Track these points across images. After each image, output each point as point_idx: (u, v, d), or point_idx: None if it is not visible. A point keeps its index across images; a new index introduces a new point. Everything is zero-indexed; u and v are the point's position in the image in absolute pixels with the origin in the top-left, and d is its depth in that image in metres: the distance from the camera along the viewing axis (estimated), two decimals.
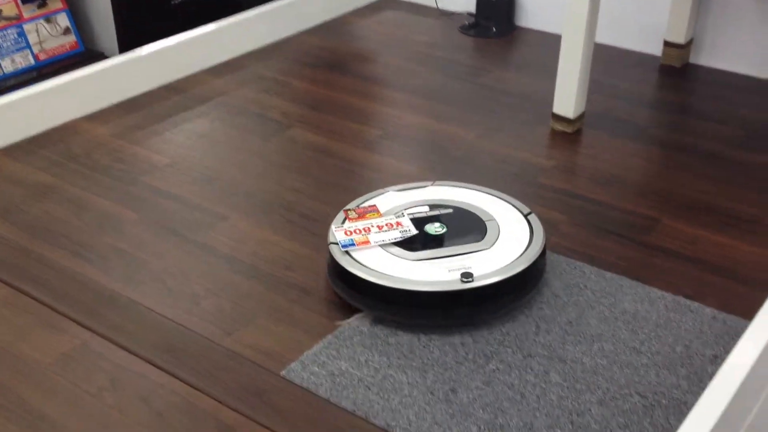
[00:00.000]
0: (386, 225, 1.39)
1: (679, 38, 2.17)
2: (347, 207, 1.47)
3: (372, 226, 1.39)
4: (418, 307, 1.30)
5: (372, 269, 1.31)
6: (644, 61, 2.26)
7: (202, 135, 1.90)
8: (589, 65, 1.86)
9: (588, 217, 1.59)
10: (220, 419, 1.14)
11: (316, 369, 1.23)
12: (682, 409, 1.15)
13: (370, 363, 1.24)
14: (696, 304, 1.35)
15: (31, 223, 1.57)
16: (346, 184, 1.71)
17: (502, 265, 1.32)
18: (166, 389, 1.20)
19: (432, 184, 1.54)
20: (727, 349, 1.25)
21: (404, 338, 1.28)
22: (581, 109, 1.90)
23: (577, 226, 1.57)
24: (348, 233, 1.38)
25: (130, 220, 1.59)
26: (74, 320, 1.33)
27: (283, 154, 1.82)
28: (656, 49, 2.27)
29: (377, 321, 1.32)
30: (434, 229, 1.40)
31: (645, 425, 1.13)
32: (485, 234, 1.39)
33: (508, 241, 1.38)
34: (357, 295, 1.32)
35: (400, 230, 1.38)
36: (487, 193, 1.52)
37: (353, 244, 1.36)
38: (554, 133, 1.90)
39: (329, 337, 1.29)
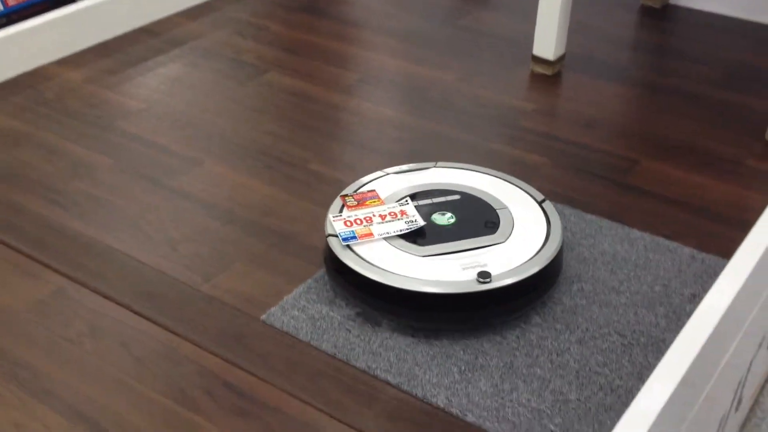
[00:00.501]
0: (389, 214, 1.27)
1: None
2: (344, 192, 1.34)
3: (374, 216, 1.26)
4: (430, 311, 1.17)
5: (379, 267, 1.18)
6: (624, 2, 2.23)
7: (176, 79, 1.86)
8: (570, 6, 1.83)
9: (568, 160, 1.58)
10: (201, 364, 1.14)
11: (296, 313, 1.22)
12: (661, 347, 1.16)
13: (351, 306, 1.23)
14: (675, 244, 1.35)
15: (3, 171, 1.54)
16: (323, 128, 1.68)
17: (521, 261, 1.19)
18: (145, 335, 1.19)
19: (434, 166, 1.41)
20: (705, 288, 1.26)
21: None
22: (561, 50, 1.88)
23: (558, 168, 1.56)
24: (348, 224, 1.25)
25: (104, 165, 1.56)
26: (50, 267, 1.31)
27: (259, 99, 1.79)
28: None
29: None
30: (444, 219, 1.27)
31: (624, 363, 1.14)
32: (498, 224, 1.26)
33: (524, 233, 1.25)
34: (362, 296, 1.20)
35: (406, 220, 1.26)
36: (495, 176, 1.39)
37: (355, 237, 1.23)
38: (534, 76, 1.88)
39: (309, 281, 1.28)
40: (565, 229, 1.39)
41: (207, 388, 1.10)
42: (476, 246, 1.22)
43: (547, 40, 1.84)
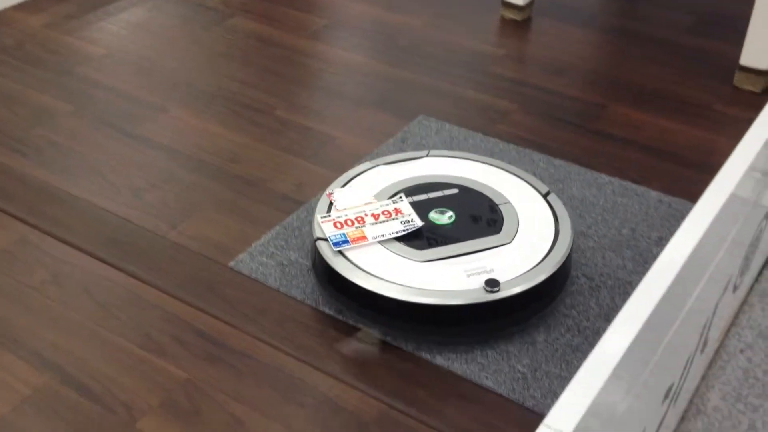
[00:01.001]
0: (383, 213, 1.14)
1: None
2: (331, 189, 1.20)
3: (366, 215, 1.14)
4: (436, 324, 1.07)
5: (377, 276, 1.06)
6: None
7: (138, 25, 1.81)
8: None
9: (538, 106, 1.58)
10: (168, 310, 1.13)
11: (265, 260, 1.21)
12: (627, 290, 1.17)
13: None
14: (642, 188, 1.36)
15: None
16: (290, 74, 1.66)
17: (530, 266, 1.09)
18: (110, 282, 1.17)
19: (427, 155, 1.28)
20: (672, 231, 1.27)
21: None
22: None
23: (528, 114, 1.55)
24: (338, 225, 1.12)
25: (66, 112, 1.53)
26: (12, 215, 1.29)
27: (225, 44, 1.75)
28: None
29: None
30: (443, 218, 1.15)
31: (591, 305, 1.15)
32: (502, 222, 1.15)
33: (531, 232, 1.14)
34: (358, 308, 1.09)
35: (402, 220, 1.13)
36: (494, 166, 1.27)
37: (347, 242, 1.10)
38: (504, 21, 1.86)
39: (277, 227, 1.27)
40: (534, 175, 1.38)
41: (175, 334, 1.09)
42: (480, 248, 1.11)
43: None
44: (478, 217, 1.16)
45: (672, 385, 1.03)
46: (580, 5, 1.93)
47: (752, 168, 1.25)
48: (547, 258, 1.10)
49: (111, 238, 1.25)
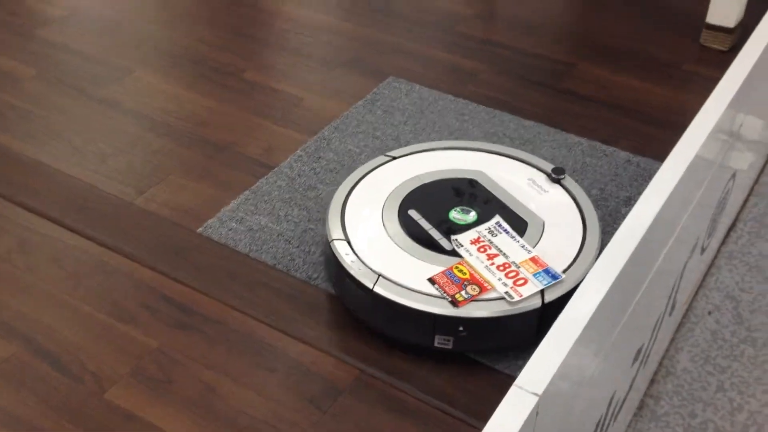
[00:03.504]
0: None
1: None
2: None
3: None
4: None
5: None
6: None
7: None
8: None
9: (508, 66, 1.57)
10: (136, 278, 1.12)
11: (235, 225, 1.20)
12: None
13: (290, 217, 1.22)
14: (611, 148, 1.36)
15: None
16: (258, 35, 1.63)
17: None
18: (77, 250, 1.16)
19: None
20: (640, 191, 1.28)
21: (328, 192, 1.27)
22: None
23: (497, 74, 1.54)
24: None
25: (27, 76, 1.49)
26: None
27: (191, 3, 1.72)
28: None
29: (297, 176, 1.29)
30: (467, 218, 1.10)
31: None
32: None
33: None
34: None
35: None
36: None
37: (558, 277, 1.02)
38: None
39: (246, 192, 1.26)
40: (504, 135, 1.38)
41: (144, 301, 1.09)
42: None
43: None
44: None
45: (641, 347, 1.04)
46: None
47: (716, 129, 1.26)
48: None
49: (77, 205, 1.23)
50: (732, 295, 1.25)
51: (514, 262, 1.04)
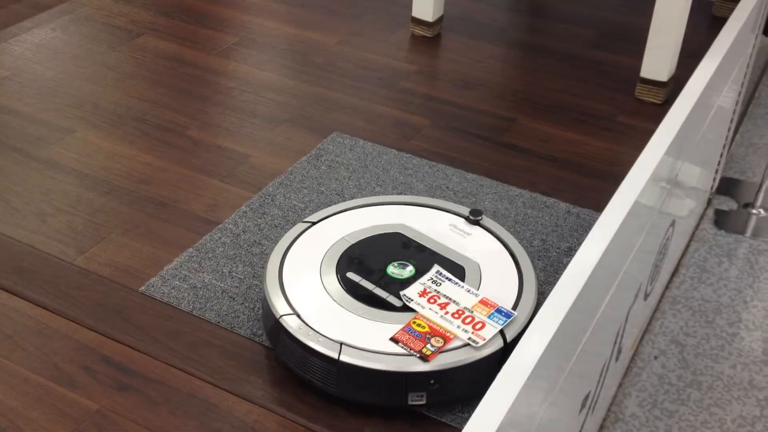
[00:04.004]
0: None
1: None
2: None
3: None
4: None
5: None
6: None
7: (43, 46, 1.76)
8: None
9: (450, 120, 1.60)
10: (76, 339, 1.09)
11: (178, 283, 1.19)
12: (540, 300, 1.19)
13: (234, 274, 1.21)
14: (551, 199, 1.39)
15: None
16: (201, 93, 1.64)
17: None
18: (16, 312, 1.13)
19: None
20: (580, 241, 1.30)
21: (269, 247, 1.26)
22: (440, 12, 1.88)
23: (440, 129, 1.57)
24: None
25: None
26: None
27: (133, 64, 1.72)
28: None
29: (242, 232, 1.29)
30: (404, 272, 1.10)
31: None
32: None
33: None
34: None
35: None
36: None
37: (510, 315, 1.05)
38: (415, 37, 1.88)
39: (190, 250, 1.25)
40: (447, 188, 1.40)
41: (84, 363, 1.06)
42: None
43: (426, 2, 1.84)
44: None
45: (589, 393, 1.05)
46: (488, 21, 1.97)
47: (654, 176, 1.30)
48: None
49: (15, 266, 1.20)
50: (677, 339, 1.27)
51: (466, 308, 1.05)
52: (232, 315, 1.14)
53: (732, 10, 1.84)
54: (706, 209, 1.60)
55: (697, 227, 1.54)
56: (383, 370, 0.97)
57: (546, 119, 1.61)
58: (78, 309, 1.14)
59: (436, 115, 1.61)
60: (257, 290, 1.18)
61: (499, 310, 1.05)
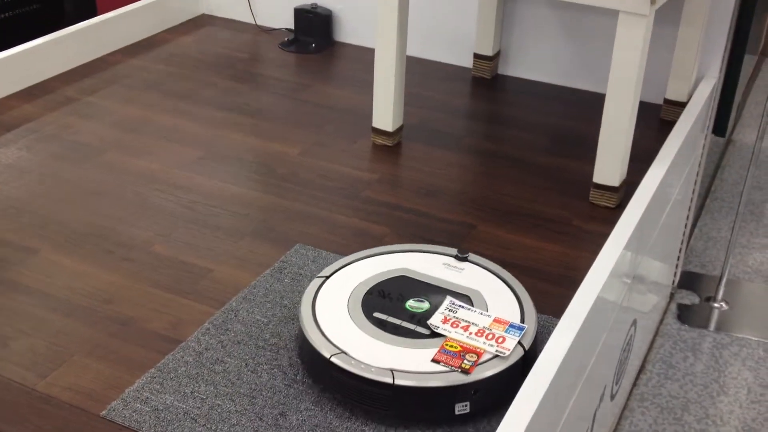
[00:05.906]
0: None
1: (487, 51, 2.27)
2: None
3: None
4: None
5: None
6: (457, 72, 2.35)
7: (7, 165, 1.79)
8: (403, 78, 1.91)
9: (411, 228, 1.63)
10: None
11: (139, 406, 1.18)
12: (501, 411, 1.20)
13: (197, 394, 1.21)
14: None
15: None
16: (166, 208, 1.66)
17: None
18: None
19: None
20: (540, 348, 1.32)
21: (232, 365, 1.27)
22: (399, 122, 1.95)
23: (401, 237, 1.60)
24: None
25: None
26: None
27: (98, 181, 1.75)
28: (467, 62, 2.36)
29: (204, 350, 1.29)
30: (423, 306, 1.28)
31: (468, 429, 1.17)
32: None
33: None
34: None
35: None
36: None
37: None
38: (376, 147, 1.94)
39: (152, 370, 1.25)
40: None
41: None
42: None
43: (385, 112, 1.91)
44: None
45: None
46: (446, 130, 2.04)
47: (614, 272, 1.33)
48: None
49: None
50: None
51: (485, 327, 1.23)
52: None
53: (679, 113, 1.93)
54: (669, 303, 1.63)
55: (661, 322, 1.57)
56: (434, 387, 1.14)
57: (504, 225, 1.66)
58: None
59: (398, 223, 1.65)
60: (219, 410, 1.18)
61: (512, 325, 1.23)
